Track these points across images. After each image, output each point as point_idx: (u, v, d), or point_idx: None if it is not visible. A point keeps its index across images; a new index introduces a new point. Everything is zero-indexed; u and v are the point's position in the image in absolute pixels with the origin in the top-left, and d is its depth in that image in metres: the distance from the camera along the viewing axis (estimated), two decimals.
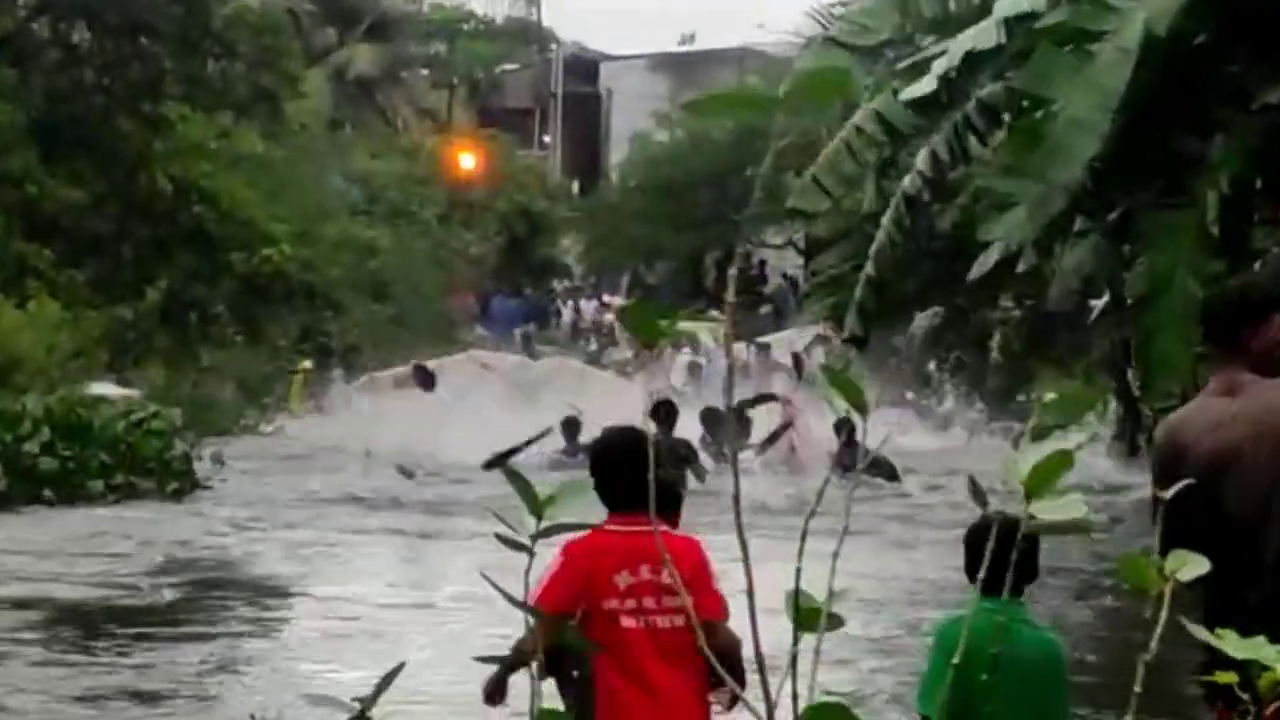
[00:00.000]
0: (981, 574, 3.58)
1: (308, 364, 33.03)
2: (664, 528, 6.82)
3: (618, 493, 6.60)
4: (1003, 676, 6.07)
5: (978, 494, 23.27)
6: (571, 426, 19.27)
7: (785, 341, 37.06)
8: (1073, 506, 2.89)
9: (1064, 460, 2.89)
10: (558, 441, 23.53)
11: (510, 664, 6.62)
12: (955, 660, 5.43)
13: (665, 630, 6.72)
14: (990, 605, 6.09)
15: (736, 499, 2.83)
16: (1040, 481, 2.89)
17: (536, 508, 2.94)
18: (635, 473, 6.67)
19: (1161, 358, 17.15)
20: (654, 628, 6.73)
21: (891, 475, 24.48)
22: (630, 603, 6.74)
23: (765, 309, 45.87)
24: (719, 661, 3.37)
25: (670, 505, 7.19)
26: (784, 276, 53.87)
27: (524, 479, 2.95)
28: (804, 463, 24.57)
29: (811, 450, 24.82)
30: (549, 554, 6.60)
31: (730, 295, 3.24)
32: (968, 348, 30.46)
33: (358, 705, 2.90)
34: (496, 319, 47.38)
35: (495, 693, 6.96)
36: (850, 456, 23.05)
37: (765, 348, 36.23)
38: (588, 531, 6.53)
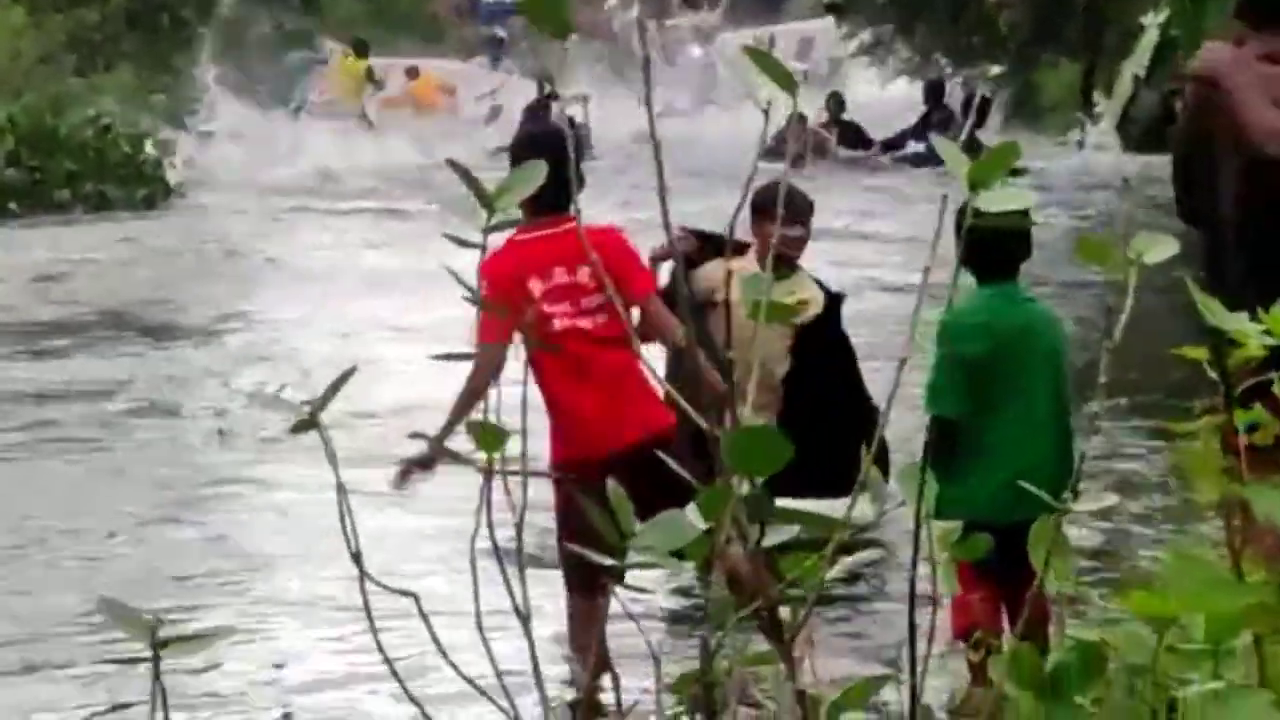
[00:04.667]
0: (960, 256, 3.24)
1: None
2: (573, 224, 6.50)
3: (538, 195, 5.93)
4: (1020, 358, 5.98)
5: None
6: None
7: (795, 34, 35.16)
8: (1018, 197, 2.82)
9: (1011, 150, 2.83)
10: None
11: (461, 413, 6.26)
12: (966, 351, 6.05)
13: (590, 330, 6.52)
14: (988, 290, 5.99)
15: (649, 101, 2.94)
16: (985, 173, 2.81)
17: (487, 201, 2.87)
18: (554, 170, 5.98)
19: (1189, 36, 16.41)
20: (578, 329, 6.50)
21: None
22: (548, 307, 6.51)
23: None
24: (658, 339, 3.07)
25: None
26: None
27: (470, 173, 2.87)
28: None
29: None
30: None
31: None
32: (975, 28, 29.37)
33: (307, 410, 2.83)
34: (486, 19, 45.67)
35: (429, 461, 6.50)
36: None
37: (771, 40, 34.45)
38: (500, 247, 6.31)
